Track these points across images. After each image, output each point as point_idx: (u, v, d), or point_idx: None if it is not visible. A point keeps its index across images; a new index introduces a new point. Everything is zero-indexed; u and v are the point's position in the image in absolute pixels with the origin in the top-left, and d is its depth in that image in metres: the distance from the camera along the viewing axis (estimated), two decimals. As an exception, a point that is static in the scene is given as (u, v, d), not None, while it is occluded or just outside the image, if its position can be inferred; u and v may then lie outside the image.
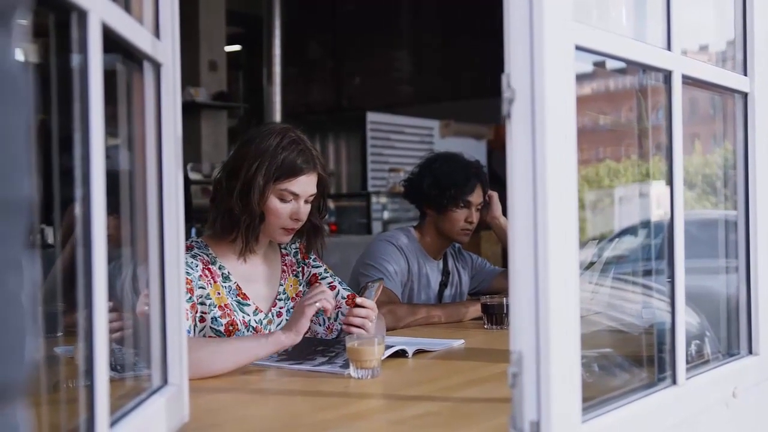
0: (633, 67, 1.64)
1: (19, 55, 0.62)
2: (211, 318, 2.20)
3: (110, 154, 1.13)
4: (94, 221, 1.03)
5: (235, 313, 2.26)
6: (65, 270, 1.70)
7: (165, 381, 1.40)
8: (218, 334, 2.22)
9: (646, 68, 1.60)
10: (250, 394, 1.83)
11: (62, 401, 1.25)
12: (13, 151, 0.59)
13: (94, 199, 1.03)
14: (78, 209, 1.03)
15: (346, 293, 2.44)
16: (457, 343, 2.40)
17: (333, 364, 2.02)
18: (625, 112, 2.11)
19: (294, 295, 2.43)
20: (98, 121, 1.04)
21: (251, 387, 1.88)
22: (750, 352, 1.85)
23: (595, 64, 1.51)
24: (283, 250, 2.47)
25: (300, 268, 2.48)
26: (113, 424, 1.11)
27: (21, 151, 0.60)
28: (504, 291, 3.07)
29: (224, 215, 2.26)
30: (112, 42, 1.14)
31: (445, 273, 3.22)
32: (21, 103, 0.61)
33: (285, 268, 2.45)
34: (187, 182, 4.46)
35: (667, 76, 1.56)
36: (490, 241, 6.82)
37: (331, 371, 1.97)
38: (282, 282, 2.42)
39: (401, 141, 8.43)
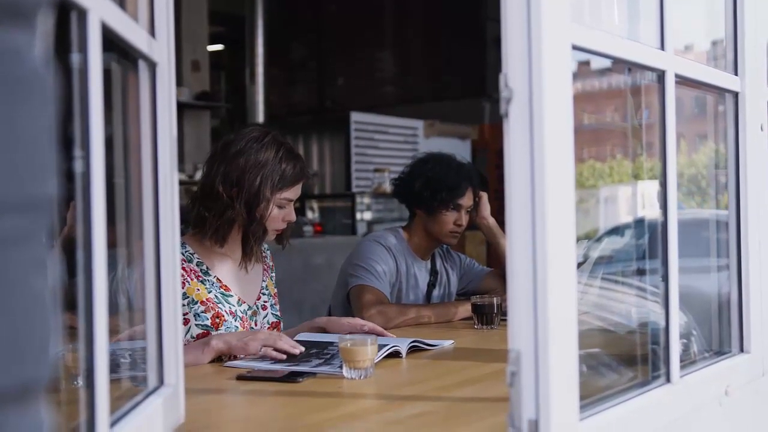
0: (619, 66, 1.64)
1: (43, 54, 0.62)
2: (194, 315, 2.24)
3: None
4: (94, 221, 1.02)
5: (219, 305, 2.32)
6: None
7: (161, 382, 1.39)
8: (205, 329, 2.26)
9: (640, 68, 1.61)
10: (246, 395, 1.83)
11: (56, 402, 1.24)
12: (38, 149, 0.59)
13: (94, 199, 1.02)
14: (78, 209, 1.02)
15: (272, 320, 2.52)
16: (448, 344, 2.41)
17: (331, 365, 2.02)
18: (610, 111, 2.12)
19: (273, 293, 2.54)
20: (98, 120, 1.03)
21: (246, 388, 1.87)
22: (741, 350, 1.87)
23: (580, 62, 1.51)
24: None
25: (272, 274, 2.60)
26: (113, 424, 1.10)
27: (46, 150, 0.60)
28: (492, 291, 3.07)
29: (227, 224, 2.33)
30: (109, 41, 1.13)
31: (434, 273, 3.22)
32: (46, 102, 0.61)
33: (265, 266, 2.55)
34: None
35: (661, 75, 1.56)
36: (475, 241, 6.84)
37: (331, 372, 1.96)
38: (264, 278, 2.52)
39: (385, 141, 8.43)
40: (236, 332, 2.27)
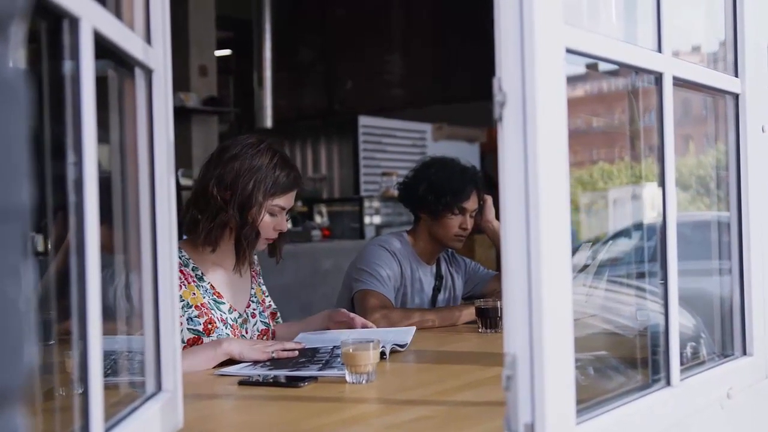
0: (625, 69, 1.64)
1: (17, 63, 0.63)
2: (188, 319, 2.26)
3: (101, 160, 1.13)
4: (87, 229, 1.02)
5: (212, 311, 2.35)
6: (57, 277, 1.70)
7: (159, 387, 1.40)
8: (197, 334, 2.28)
9: (637, 70, 1.60)
10: (245, 401, 1.83)
11: (54, 409, 1.25)
12: (12, 158, 0.60)
13: (87, 206, 1.03)
14: (71, 217, 1.02)
15: (262, 327, 2.53)
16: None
17: (332, 368, 2.02)
18: (618, 114, 2.12)
19: (261, 300, 2.56)
20: (90, 128, 1.04)
21: (245, 393, 1.87)
22: (744, 353, 1.86)
23: (588, 66, 1.52)
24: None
25: (260, 279, 2.62)
26: (108, 430, 1.11)
27: (20, 158, 0.61)
28: (497, 294, 3.07)
29: (220, 228, 2.36)
30: (103, 48, 1.14)
31: (439, 277, 3.22)
32: (20, 111, 0.62)
33: (254, 274, 2.57)
34: (178, 188, 4.52)
35: (658, 78, 1.56)
36: (484, 245, 6.82)
37: (334, 375, 1.96)
38: (253, 286, 2.54)
39: (394, 145, 8.43)
40: (247, 340, 2.35)
